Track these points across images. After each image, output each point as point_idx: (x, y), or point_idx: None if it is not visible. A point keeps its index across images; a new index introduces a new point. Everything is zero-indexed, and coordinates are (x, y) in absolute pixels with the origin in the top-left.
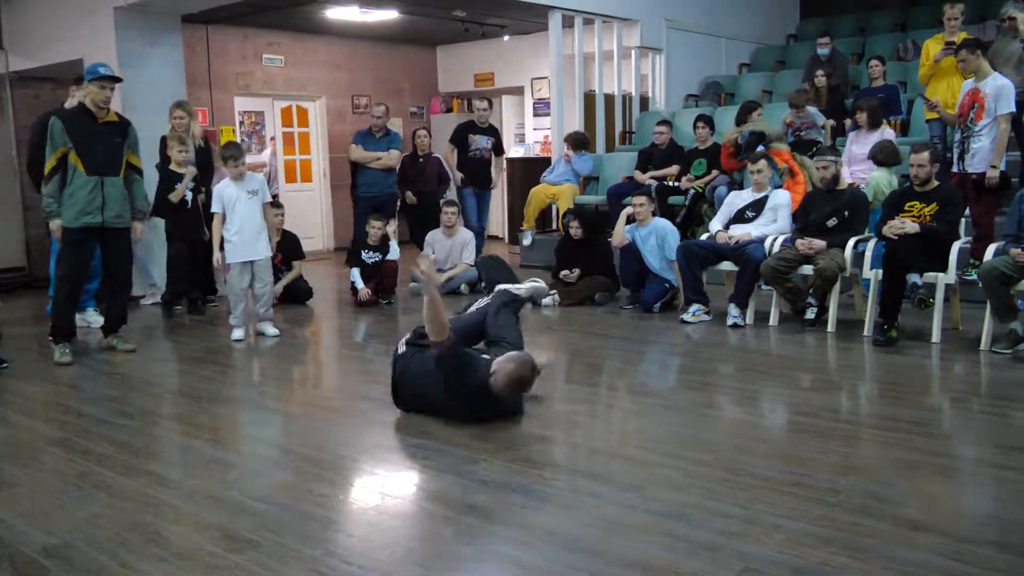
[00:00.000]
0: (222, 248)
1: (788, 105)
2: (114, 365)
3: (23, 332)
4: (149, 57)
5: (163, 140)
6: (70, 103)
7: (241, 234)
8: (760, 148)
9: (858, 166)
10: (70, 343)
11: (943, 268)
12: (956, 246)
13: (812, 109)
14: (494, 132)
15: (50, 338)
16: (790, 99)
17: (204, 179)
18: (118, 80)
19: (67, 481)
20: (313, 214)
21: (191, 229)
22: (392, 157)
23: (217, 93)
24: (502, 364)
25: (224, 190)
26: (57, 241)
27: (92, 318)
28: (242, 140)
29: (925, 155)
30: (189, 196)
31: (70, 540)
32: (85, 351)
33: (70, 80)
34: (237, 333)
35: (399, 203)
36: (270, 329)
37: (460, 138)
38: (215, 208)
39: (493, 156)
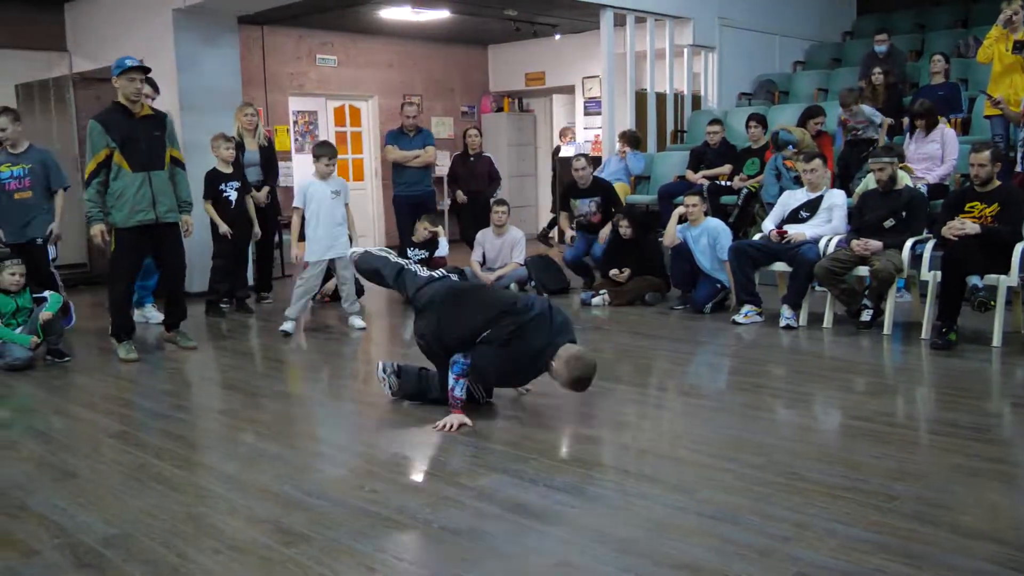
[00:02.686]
0: (302, 239)
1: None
2: (171, 360)
3: (84, 327)
4: (206, 58)
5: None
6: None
7: (320, 231)
8: (791, 149)
9: (917, 165)
10: (132, 340)
11: (1005, 270)
12: (1019, 248)
13: (867, 108)
14: (600, 189)
15: (112, 337)
16: (840, 98)
17: (268, 178)
18: (147, 70)
19: (125, 473)
20: (365, 212)
21: (237, 228)
22: (430, 154)
23: (272, 93)
24: (568, 360)
25: (308, 187)
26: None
27: (151, 314)
28: (295, 140)
29: (986, 154)
30: (233, 196)
31: (128, 530)
32: (143, 347)
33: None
34: (286, 325)
35: (450, 202)
36: (358, 322)
37: (563, 199)
38: (297, 202)
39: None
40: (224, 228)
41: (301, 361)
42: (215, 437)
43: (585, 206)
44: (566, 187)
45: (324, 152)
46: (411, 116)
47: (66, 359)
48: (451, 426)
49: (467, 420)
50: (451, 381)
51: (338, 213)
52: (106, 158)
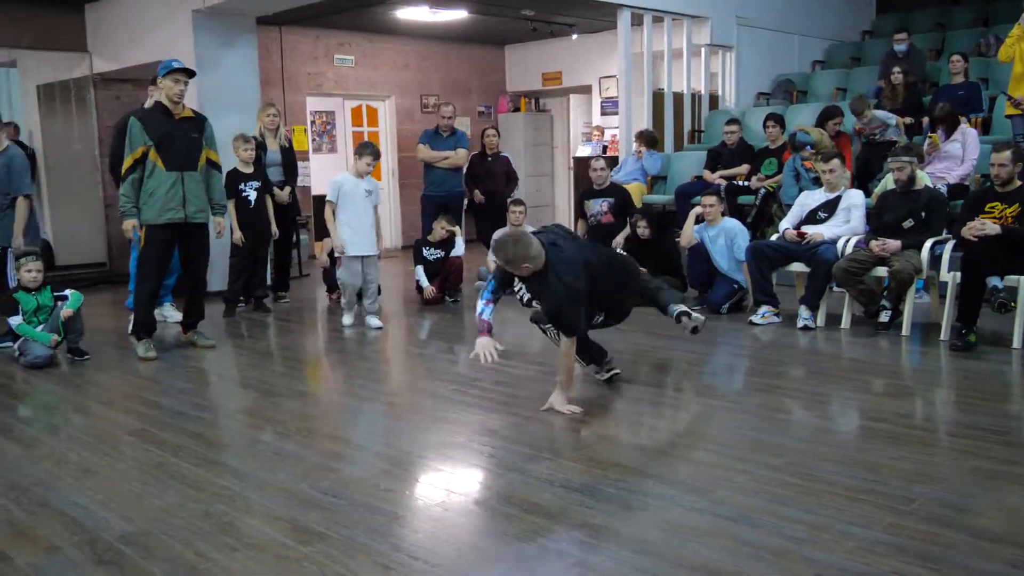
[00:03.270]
0: (323, 238)
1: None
2: (190, 359)
3: (104, 326)
4: (225, 58)
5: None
6: (149, 103)
7: (351, 228)
8: (809, 149)
9: (938, 165)
10: (152, 338)
11: None
12: None
13: (879, 112)
14: (616, 192)
15: (131, 335)
16: (851, 108)
17: (289, 178)
18: (192, 73)
19: (144, 470)
20: (382, 212)
21: (255, 228)
22: (460, 156)
23: (290, 93)
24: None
25: (343, 183)
26: (130, 240)
27: (169, 312)
28: (312, 140)
29: (1007, 154)
30: (252, 195)
31: (146, 528)
32: (161, 345)
33: (148, 81)
34: (346, 319)
35: (466, 202)
36: (375, 321)
37: (578, 206)
38: (330, 196)
39: (615, 220)
40: (237, 235)
41: (319, 360)
42: (233, 435)
43: (597, 206)
44: (582, 190)
45: (368, 152)
46: (447, 116)
47: (86, 357)
48: (483, 355)
49: (493, 345)
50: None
51: (369, 213)
52: (143, 155)
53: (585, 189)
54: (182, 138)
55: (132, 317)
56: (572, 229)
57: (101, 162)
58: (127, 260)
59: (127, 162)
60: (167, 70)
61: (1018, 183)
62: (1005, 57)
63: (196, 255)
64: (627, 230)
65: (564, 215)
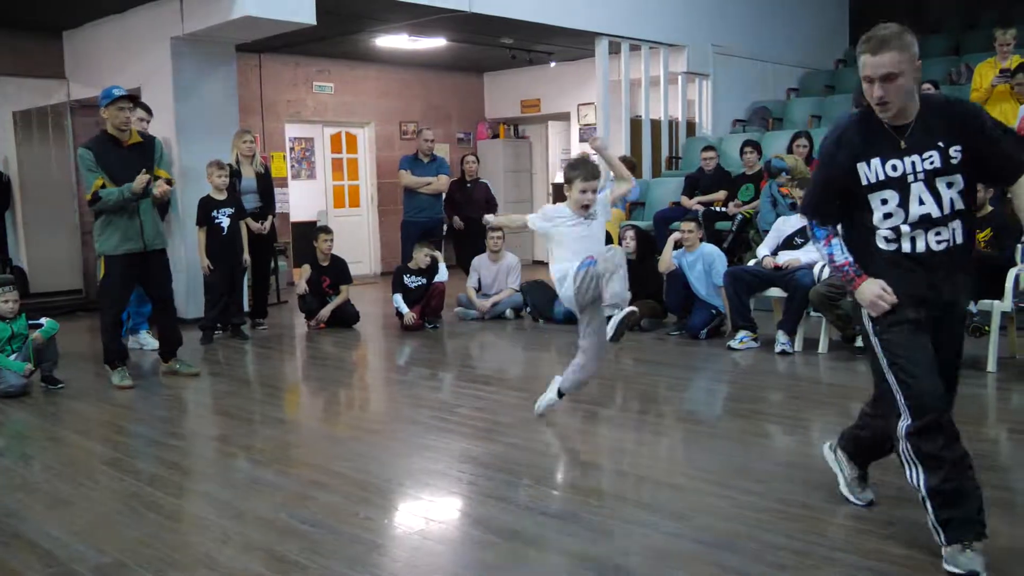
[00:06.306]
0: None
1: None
2: (166, 387)
3: (80, 353)
4: (204, 85)
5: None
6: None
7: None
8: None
9: None
10: (126, 366)
11: (998, 296)
12: (1012, 273)
13: None
14: None
15: (106, 364)
16: (854, 100)
17: (267, 205)
18: (136, 99)
19: (119, 500)
20: (361, 239)
21: (229, 255)
22: (443, 182)
23: (269, 120)
24: None
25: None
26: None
27: (145, 340)
28: (292, 166)
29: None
30: (226, 222)
31: (121, 559)
32: (138, 373)
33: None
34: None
35: (446, 228)
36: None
37: None
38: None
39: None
40: (204, 263)
41: (297, 387)
42: (210, 464)
43: None
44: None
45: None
46: (429, 140)
47: (60, 385)
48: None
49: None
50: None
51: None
52: (103, 185)
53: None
54: (133, 166)
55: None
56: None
57: (78, 189)
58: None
59: (95, 186)
60: (109, 99)
61: (990, 208)
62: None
63: (158, 280)
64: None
65: (542, 242)
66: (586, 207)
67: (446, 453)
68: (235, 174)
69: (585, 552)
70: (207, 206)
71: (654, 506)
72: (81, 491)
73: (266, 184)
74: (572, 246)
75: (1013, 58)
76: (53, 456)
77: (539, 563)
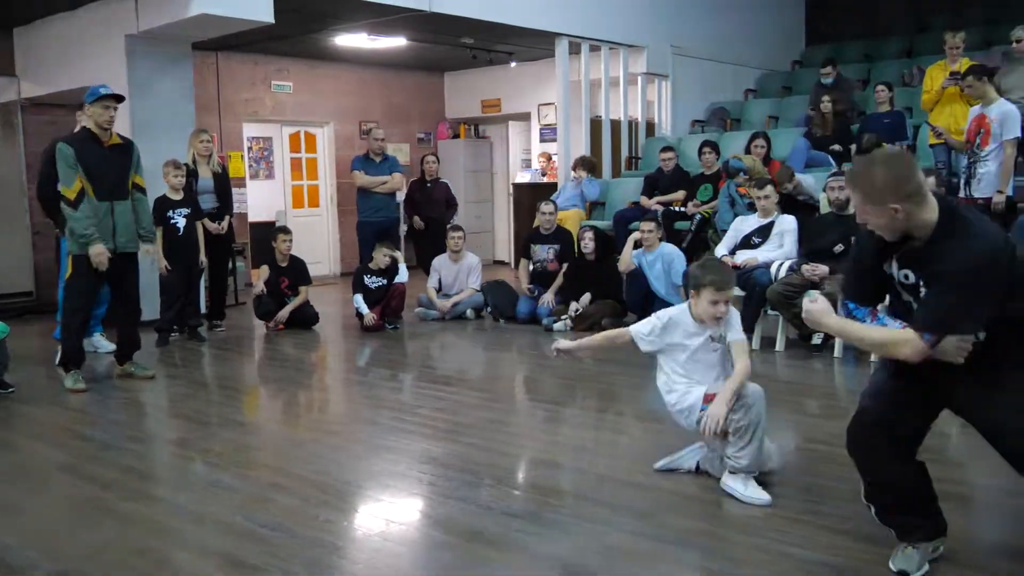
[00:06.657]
0: None
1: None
2: (121, 390)
3: (31, 356)
4: (160, 84)
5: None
6: (78, 129)
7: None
8: (743, 175)
9: None
10: (81, 369)
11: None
12: None
13: (806, 179)
14: (562, 238)
15: (59, 366)
16: (777, 177)
17: (224, 205)
18: (121, 99)
19: (74, 506)
20: (320, 239)
21: (185, 256)
22: (397, 180)
23: (226, 119)
24: None
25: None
26: (68, 267)
27: (99, 343)
28: (249, 166)
29: (931, 180)
30: (182, 223)
31: (78, 566)
32: (92, 376)
33: (77, 106)
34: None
35: (405, 228)
36: None
37: (525, 247)
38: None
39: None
40: (162, 263)
41: (255, 389)
42: (167, 468)
43: (544, 252)
44: (529, 233)
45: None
46: (379, 139)
47: (10, 390)
48: None
49: None
50: None
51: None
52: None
53: (532, 233)
54: (113, 167)
55: (60, 348)
56: (514, 265)
57: (28, 188)
58: (55, 290)
59: (75, 187)
60: (95, 96)
61: None
62: (927, 106)
63: (127, 285)
64: (560, 278)
65: (503, 242)
66: (718, 319)
67: (406, 454)
68: (192, 174)
69: (546, 552)
70: (163, 206)
71: (615, 505)
72: (35, 498)
73: (223, 184)
74: (687, 365)
75: (962, 61)
76: (4, 462)
77: (501, 563)
